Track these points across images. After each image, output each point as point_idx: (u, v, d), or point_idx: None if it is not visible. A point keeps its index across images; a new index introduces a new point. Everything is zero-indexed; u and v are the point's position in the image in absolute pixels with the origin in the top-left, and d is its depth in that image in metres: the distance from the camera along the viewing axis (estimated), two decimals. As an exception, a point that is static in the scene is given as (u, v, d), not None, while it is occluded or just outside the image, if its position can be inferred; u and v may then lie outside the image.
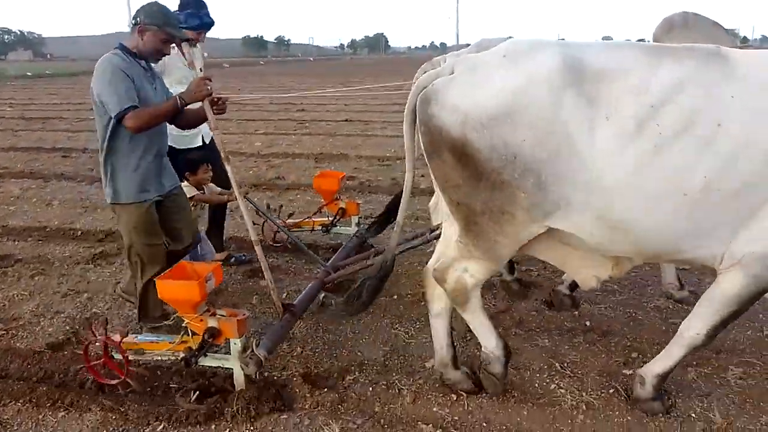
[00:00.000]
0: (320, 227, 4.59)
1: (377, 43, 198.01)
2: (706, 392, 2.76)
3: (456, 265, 2.65)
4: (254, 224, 3.35)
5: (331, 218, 4.55)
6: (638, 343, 3.23)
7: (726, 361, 3.00)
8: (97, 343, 2.75)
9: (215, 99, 3.11)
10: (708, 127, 2.12)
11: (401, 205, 2.80)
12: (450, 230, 2.75)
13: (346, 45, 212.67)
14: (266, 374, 2.89)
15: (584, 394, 2.76)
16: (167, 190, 3.23)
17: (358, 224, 4.60)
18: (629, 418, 2.58)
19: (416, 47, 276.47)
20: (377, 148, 9.55)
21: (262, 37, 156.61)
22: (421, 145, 2.50)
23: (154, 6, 3.03)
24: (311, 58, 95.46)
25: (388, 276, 2.89)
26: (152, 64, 3.21)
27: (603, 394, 2.75)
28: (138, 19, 2.98)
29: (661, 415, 2.58)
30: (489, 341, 2.73)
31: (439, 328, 2.86)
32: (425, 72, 2.65)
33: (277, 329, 2.98)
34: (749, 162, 2.12)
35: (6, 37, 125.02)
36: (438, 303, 2.84)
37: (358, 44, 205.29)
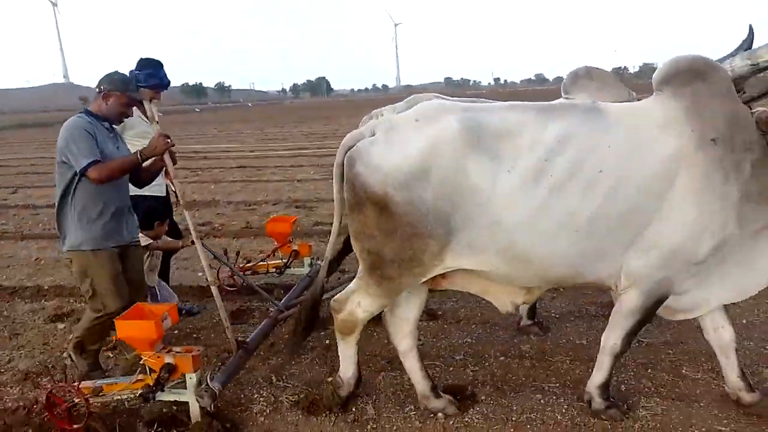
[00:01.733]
0: (274, 270, 4.81)
1: (319, 86, 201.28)
2: (384, 391, 3.30)
3: (353, 298, 2.95)
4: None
5: (284, 260, 4.80)
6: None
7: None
8: (59, 391, 2.92)
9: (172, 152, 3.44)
10: (591, 173, 2.55)
11: (329, 245, 3.15)
12: None
13: (288, 89, 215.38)
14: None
15: (279, 398, 3.26)
16: (127, 241, 3.49)
17: (310, 265, 4.84)
18: (301, 416, 3.08)
19: (359, 89, 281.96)
20: (252, 194, 10.09)
21: (201, 84, 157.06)
22: (345, 198, 2.79)
23: (115, 75, 3.44)
24: (249, 104, 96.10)
25: (318, 303, 3.18)
26: (115, 126, 3.52)
27: (294, 398, 3.24)
28: (102, 87, 3.36)
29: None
30: (348, 370, 3.10)
31: (413, 364, 3.09)
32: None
33: (231, 364, 3.27)
34: (625, 198, 2.56)
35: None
36: (405, 341, 3.09)
37: (300, 88, 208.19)
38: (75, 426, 2.91)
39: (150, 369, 2.91)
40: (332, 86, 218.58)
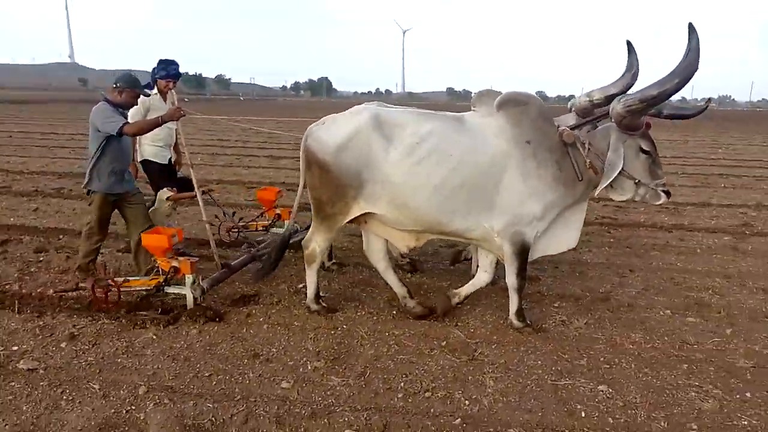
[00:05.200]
0: (262, 228, 5.95)
1: (321, 86, 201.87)
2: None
3: (312, 238, 4.32)
4: (212, 224, 4.91)
5: (269, 221, 5.94)
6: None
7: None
8: (102, 282, 4.24)
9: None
10: (444, 154, 3.80)
11: (295, 201, 4.49)
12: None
13: (289, 86, 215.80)
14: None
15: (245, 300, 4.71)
16: (125, 191, 4.73)
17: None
18: (257, 311, 4.49)
19: (362, 93, 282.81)
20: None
21: (200, 74, 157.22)
22: (303, 163, 4.13)
23: (127, 75, 4.70)
24: (242, 98, 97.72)
25: (285, 248, 4.59)
26: (135, 106, 4.82)
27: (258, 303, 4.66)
28: (118, 84, 4.59)
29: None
30: (311, 290, 4.42)
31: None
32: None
33: (217, 275, 4.56)
34: (463, 174, 3.78)
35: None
36: (381, 263, 4.51)
37: (302, 86, 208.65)
38: (111, 304, 4.29)
39: (161, 270, 4.30)
40: (336, 88, 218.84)
